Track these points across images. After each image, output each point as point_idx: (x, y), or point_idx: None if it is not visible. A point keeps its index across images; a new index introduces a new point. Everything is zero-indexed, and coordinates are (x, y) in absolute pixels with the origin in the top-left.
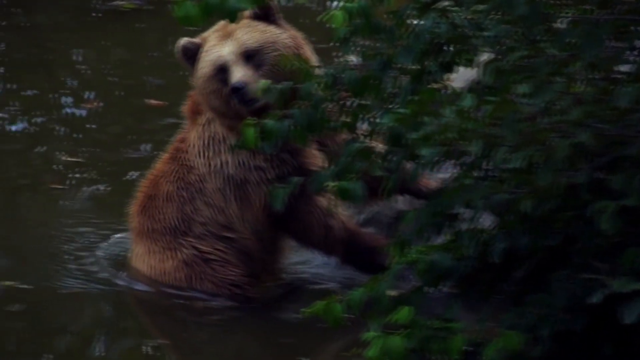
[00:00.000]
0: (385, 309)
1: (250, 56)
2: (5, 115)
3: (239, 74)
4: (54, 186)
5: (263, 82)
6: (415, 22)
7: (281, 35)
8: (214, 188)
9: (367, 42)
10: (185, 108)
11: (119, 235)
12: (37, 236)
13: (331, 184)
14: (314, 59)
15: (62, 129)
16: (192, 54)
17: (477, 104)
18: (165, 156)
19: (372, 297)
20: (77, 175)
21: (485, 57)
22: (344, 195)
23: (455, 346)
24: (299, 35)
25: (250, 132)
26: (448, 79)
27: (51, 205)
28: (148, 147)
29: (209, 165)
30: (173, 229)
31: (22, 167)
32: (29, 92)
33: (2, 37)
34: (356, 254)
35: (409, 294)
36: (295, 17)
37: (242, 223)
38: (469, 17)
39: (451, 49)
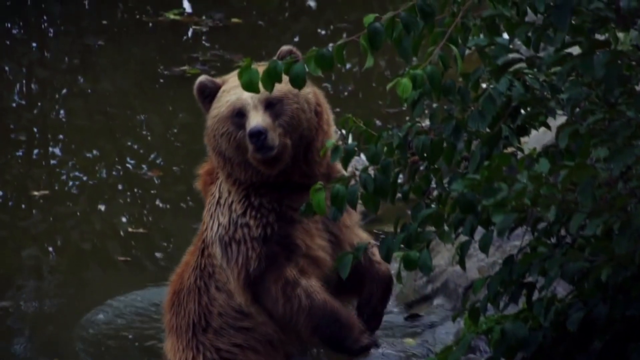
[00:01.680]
0: None
1: (271, 104)
2: (66, 179)
3: (259, 118)
4: (121, 259)
5: (329, 142)
6: (488, 84)
7: (304, 89)
8: (218, 262)
9: (437, 105)
10: (198, 184)
11: None
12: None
13: (398, 253)
14: (332, 119)
15: (127, 195)
16: (209, 93)
17: (553, 169)
18: (191, 247)
19: None
20: (140, 248)
21: (561, 120)
22: (410, 265)
23: None
24: (320, 93)
25: (320, 197)
26: (522, 143)
27: (118, 279)
28: None
29: (213, 233)
30: (193, 326)
31: (87, 235)
32: (91, 157)
33: (66, 104)
34: (323, 327)
35: None
36: (368, 81)
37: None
38: (544, 79)
39: (526, 111)
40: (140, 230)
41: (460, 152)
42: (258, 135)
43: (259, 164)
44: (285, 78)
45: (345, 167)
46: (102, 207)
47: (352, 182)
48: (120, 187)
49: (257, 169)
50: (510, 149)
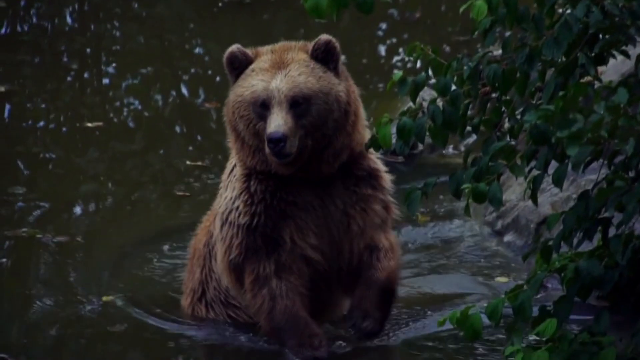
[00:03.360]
0: (529, 320)
1: (297, 103)
2: (120, 108)
3: (280, 121)
4: (180, 194)
5: (397, 74)
6: (564, 10)
7: (337, 87)
8: (215, 236)
9: (510, 33)
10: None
11: None
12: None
13: (467, 185)
14: (364, 119)
15: (183, 128)
16: (238, 65)
17: (632, 99)
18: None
19: (514, 307)
20: (201, 181)
21: None
22: (479, 197)
23: None
24: (355, 90)
25: (386, 131)
26: (600, 73)
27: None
28: None
29: (219, 204)
30: (193, 293)
31: (143, 168)
32: (146, 84)
33: (120, 27)
34: (279, 331)
35: (554, 305)
36: (437, 6)
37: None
38: (623, 4)
39: (603, 39)
40: (199, 163)
41: (534, 82)
42: (277, 142)
43: (274, 163)
44: (318, 71)
45: (413, 99)
46: (158, 139)
47: (420, 114)
48: (176, 118)
49: (266, 158)
50: (586, 79)
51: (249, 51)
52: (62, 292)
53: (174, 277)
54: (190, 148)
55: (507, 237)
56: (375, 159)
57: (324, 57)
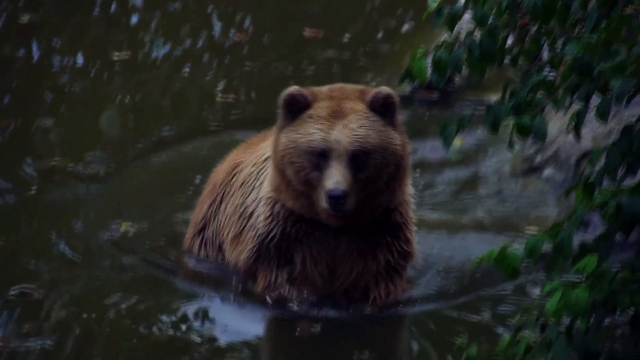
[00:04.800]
0: (569, 257)
1: (356, 157)
2: (146, 40)
3: (341, 177)
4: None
5: (432, 4)
6: None
7: (394, 142)
8: (231, 210)
9: None
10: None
11: None
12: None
13: (510, 120)
14: (410, 171)
15: (212, 60)
16: (297, 109)
17: None
18: (243, 145)
19: (554, 244)
20: (229, 116)
21: None
22: (523, 131)
23: None
24: (407, 142)
25: (422, 64)
26: None
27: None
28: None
29: (246, 185)
30: (195, 225)
31: (172, 99)
32: (174, 13)
33: None
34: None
35: (595, 241)
36: None
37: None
38: None
39: None
40: (230, 98)
41: (575, 12)
42: (337, 199)
43: (324, 215)
44: (378, 125)
45: (451, 29)
46: (186, 71)
47: (456, 46)
48: (204, 50)
49: (310, 204)
50: (630, 9)
51: (306, 92)
52: (87, 222)
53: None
54: (221, 82)
55: (547, 172)
56: (408, 210)
57: (382, 110)
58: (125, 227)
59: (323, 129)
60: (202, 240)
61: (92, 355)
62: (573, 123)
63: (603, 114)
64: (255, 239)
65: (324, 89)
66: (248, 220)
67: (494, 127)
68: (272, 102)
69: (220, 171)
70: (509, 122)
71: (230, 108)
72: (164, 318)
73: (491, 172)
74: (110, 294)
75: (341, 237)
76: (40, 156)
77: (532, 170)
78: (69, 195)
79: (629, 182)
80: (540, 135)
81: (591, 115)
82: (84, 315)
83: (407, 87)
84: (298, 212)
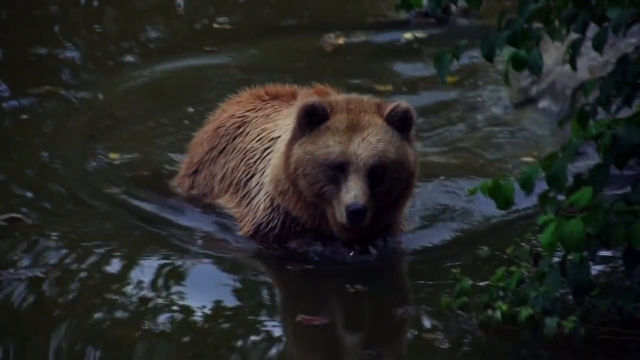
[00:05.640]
0: (563, 189)
1: (374, 171)
2: None
3: (359, 191)
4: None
5: None
6: None
7: (409, 158)
8: (237, 174)
9: None
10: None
11: None
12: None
13: (505, 52)
14: (414, 186)
15: None
16: (317, 120)
17: None
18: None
19: (547, 175)
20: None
21: None
22: (519, 65)
23: None
24: (418, 158)
25: None
26: None
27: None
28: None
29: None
30: (188, 166)
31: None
32: None
33: None
34: None
35: (590, 173)
36: None
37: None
38: None
39: None
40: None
41: None
42: (357, 213)
43: (337, 227)
44: (395, 140)
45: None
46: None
47: None
48: None
49: (320, 216)
50: None
51: (325, 104)
52: (76, 148)
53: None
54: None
55: (542, 104)
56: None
57: (401, 124)
58: (114, 156)
59: (342, 141)
60: (192, 183)
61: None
62: (569, 54)
63: (599, 45)
64: (252, 224)
65: (341, 100)
66: (248, 202)
67: (489, 57)
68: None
69: (224, 118)
70: (505, 54)
71: (227, 32)
72: (152, 262)
73: (482, 103)
74: (95, 233)
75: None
76: (34, 83)
77: (528, 101)
78: (57, 121)
79: (626, 113)
80: (536, 69)
81: (588, 45)
82: (71, 250)
83: (403, 14)
84: (302, 222)
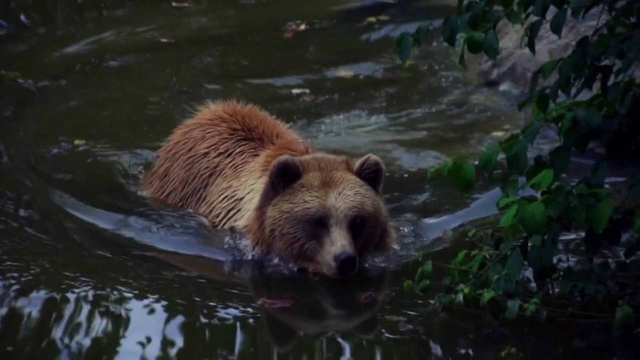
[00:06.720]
0: (524, 171)
1: (354, 223)
2: None
3: (345, 241)
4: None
5: None
6: None
7: (381, 210)
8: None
9: None
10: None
11: None
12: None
13: (461, 34)
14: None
15: None
16: (290, 177)
17: None
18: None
19: (508, 157)
20: None
21: None
22: (474, 47)
23: (602, 214)
24: (386, 208)
25: None
26: None
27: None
28: None
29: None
30: (158, 168)
31: None
32: None
33: None
34: None
35: (550, 155)
36: None
37: None
38: None
39: None
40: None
41: None
42: (348, 261)
43: (323, 274)
44: (369, 193)
45: None
46: None
47: None
48: None
49: (297, 263)
50: None
51: (297, 161)
52: (38, 134)
53: (154, 126)
54: None
55: (503, 87)
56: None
57: (372, 177)
58: (78, 142)
59: (319, 196)
60: (162, 189)
61: None
62: (527, 36)
63: (557, 27)
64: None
65: (310, 159)
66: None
67: (450, 40)
68: None
69: (199, 151)
70: (461, 37)
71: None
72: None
73: (444, 86)
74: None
75: None
76: None
77: (489, 84)
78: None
79: (586, 95)
80: (491, 52)
81: (548, 28)
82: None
83: None
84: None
